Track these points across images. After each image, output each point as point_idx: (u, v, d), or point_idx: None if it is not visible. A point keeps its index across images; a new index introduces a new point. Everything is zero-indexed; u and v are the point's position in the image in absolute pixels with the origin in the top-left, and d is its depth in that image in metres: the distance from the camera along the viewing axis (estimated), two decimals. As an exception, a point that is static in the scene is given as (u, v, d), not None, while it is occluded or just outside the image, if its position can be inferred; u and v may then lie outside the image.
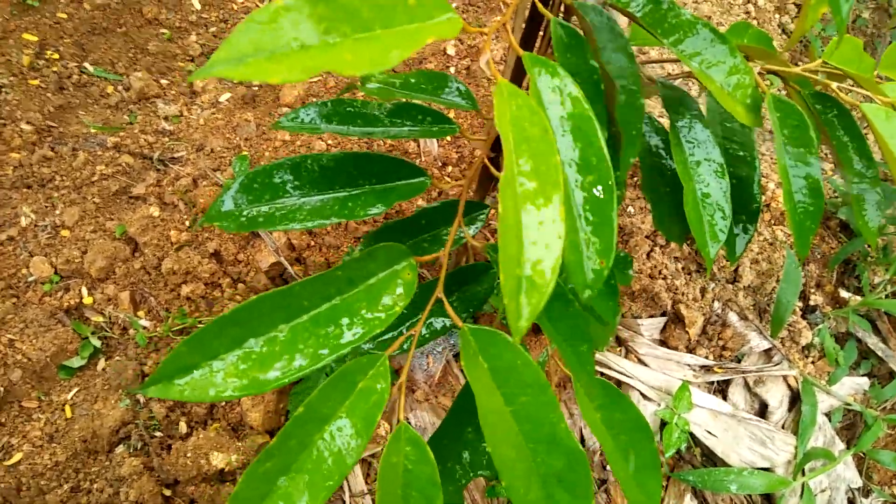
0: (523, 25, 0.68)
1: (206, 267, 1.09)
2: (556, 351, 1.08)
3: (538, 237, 0.40)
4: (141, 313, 1.08)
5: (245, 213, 0.57)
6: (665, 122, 0.74)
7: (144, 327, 1.07)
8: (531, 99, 0.43)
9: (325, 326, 0.52)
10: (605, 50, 0.56)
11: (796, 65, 0.67)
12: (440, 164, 1.33)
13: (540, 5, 0.52)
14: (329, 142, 1.31)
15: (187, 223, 1.15)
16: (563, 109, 0.47)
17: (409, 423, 1.15)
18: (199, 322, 1.07)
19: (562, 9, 0.61)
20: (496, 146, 0.73)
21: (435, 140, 1.36)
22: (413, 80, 0.70)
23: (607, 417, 0.71)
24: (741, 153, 0.77)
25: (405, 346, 0.70)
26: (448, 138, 1.37)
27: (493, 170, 0.66)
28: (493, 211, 0.92)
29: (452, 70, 1.46)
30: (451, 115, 1.36)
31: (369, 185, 0.61)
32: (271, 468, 0.50)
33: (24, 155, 1.24)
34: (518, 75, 0.71)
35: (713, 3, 1.79)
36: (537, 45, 0.68)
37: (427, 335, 0.66)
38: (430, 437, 0.67)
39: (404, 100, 0.67)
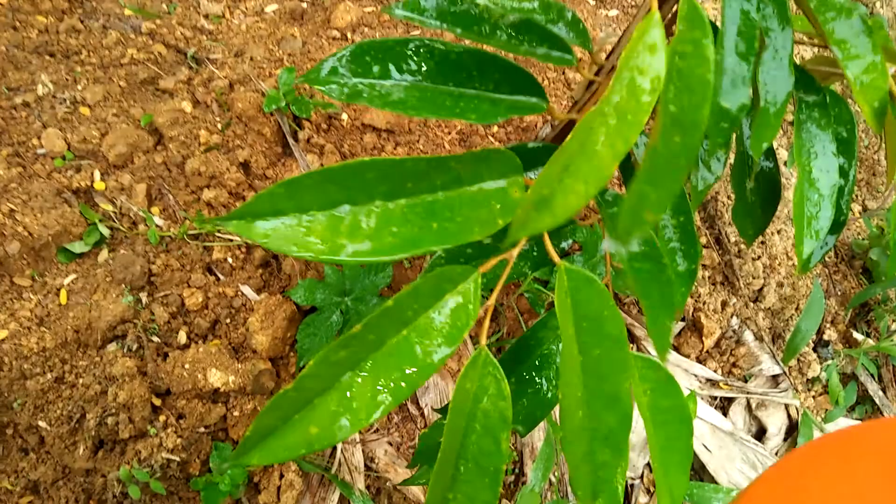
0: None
1: (232, 175, 1.02)
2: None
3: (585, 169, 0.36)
4: (155, 210, 1.00)
5: (349, 83, 0.51)
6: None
7: (158, 225, 0.98)
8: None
9: (421, 217, 0.47)
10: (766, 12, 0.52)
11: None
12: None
13: None
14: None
15: (220, 126, 1.06)
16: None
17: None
18: (218, 231, 0.99)
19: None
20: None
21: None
22: (527, 5, 0.64)
23: (654, 402, 0.68)
24: (841, 160, 0.74)
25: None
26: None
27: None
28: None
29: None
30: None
31: (485, 91, 0.55)
32: (343, 359, 0.44)
33: (51, 21, 1.14)
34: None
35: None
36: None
37: (522, 268, 0.61)
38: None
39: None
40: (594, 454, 0.48)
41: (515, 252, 0.54)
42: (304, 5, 1.36)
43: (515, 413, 0.70)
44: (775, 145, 1.37)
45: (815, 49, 1.73)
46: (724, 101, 0.48)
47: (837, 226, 0.80)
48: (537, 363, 0.70)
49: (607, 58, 0.74)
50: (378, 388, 0.45)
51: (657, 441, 0.67)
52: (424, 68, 0.53)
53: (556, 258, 0.55)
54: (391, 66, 0.51)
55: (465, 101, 0.54)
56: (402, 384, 0.46)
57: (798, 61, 0.72)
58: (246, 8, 1.32)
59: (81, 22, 1.16)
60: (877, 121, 0.58)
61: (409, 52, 0.52)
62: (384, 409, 0.45)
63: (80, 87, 1.07)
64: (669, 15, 0.65)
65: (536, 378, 0.71)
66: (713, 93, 0.40)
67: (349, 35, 1.31)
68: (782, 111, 0.60)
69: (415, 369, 0.46)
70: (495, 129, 1.28)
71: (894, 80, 0.60)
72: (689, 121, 0.35)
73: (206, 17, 1.28)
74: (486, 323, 0.52)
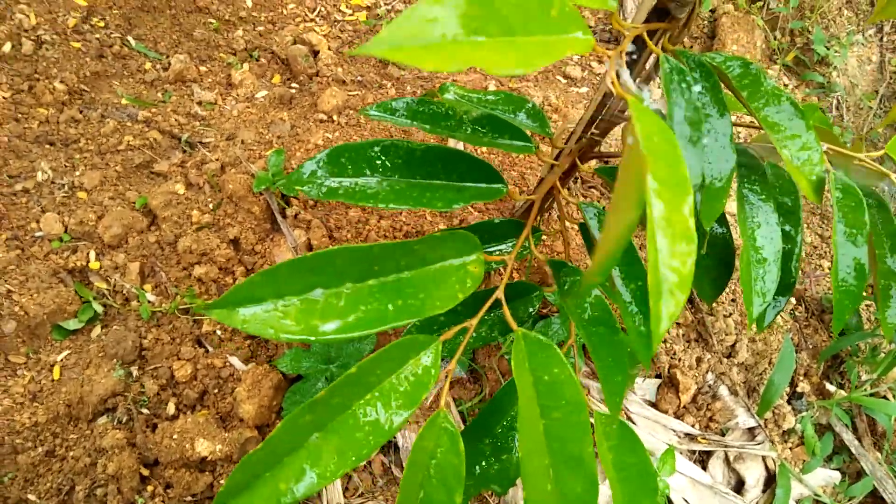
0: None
1: (223, 251, 1.08)
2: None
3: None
4: (148, 287, 1.05)
5: (326, 182, 0.57)
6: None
7: (150, 301, 1.03)
8: (657, 116, 0.45)
9: (388, 295, 0.52)
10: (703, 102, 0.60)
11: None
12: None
13: (650, 43, 0.55)
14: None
15: (211, 206, 1.13)
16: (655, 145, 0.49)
17: (397, 441, 1.12)
18: (208, 304, 1.04)
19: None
20: (568, 172, 0.75)
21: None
22: (491, 98, 0.72)
23: (619, 459, 0.71)
24: (787, 228, 0.81)
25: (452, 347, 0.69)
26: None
27: (564, 193, 0.67)
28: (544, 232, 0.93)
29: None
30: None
31: (449, 181, 0.62)
32: (310, 421, 0.49)
33: (51, 112, 1.22)
34: (599, 108, 0.74)
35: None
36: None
37: (483, 335, 0.66)
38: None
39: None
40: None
41: (475, 322, 0.60)
42: (293, 91, 1.46)
43: (489, 473, 0.73)
44: (734, 210, 1.45)
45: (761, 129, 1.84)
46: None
47: (787, 287, 0.87)
48: (507, 424, 0.74)
49: (566, 142, 0.82)
50: (343, 447, 0.49)
51: (623, 498, 0.70)
52: (394, 165, 0.59)
53: (513, 325, 0.60)
54: (364, 166, 0.58)
55: (431, 192, 0.60)
56: (366, 443, 0.50)
57: (747, 140, 0.80)
58: (237, 94, 1.42)
59: (81, 112, 1.25)
60: (816, 194, 0.64)
61: (379, 152, 0.59)
62: (349, 466, 0.49)
63: (78, 173, 1.15)
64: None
65: (509, 439, 0.74)
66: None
67: (335, 117, 1.40)
68: (728, 186, 0.67)
69: (377, 429, 0.51)
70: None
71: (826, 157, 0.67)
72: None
73: (200, 103, 1.37)
74: (447, 386, 0.56)
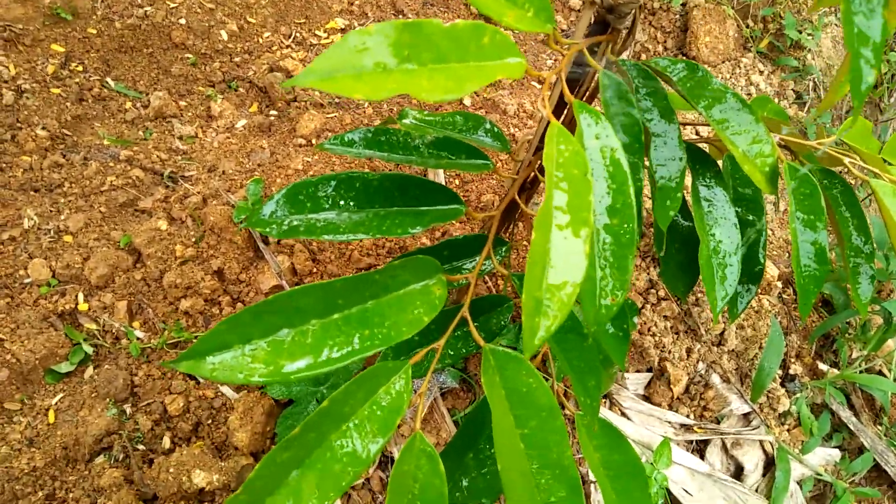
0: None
1: (207, 283, 1.10)
2: (560, 389, 1.09)
3: (562, 266, 0.42)
4: (136, 324, 1.07)
5: (286, 221, 0.59)
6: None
7: (139, 338, 1.05)
8: (576, 142, 0.47)
9: (355, 327, 0.54)
10: (647, 107, 0.61)
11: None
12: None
13: (589, 58, 0.57)
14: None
15: (194, 239, 1.15)
16: (601, 156, 0.51)
17: (393, 455, 1.14)
18: (195, 337, 1.06)
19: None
20: (522, 188, 0.76)
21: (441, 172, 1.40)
22: (448, 120, 0.74)
23: (606, 458, 0.73)
24: (750, 217, 0.82)
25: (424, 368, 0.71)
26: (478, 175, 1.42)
27: (523, 207, 0.69)
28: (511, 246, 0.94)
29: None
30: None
31: (408, 207, 0.64)
32: (288, 459, 0.50)
33: (35, 159, 1.25)
34: (556, 117, 0.75)
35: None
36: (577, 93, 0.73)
37: (452, 354, 0.68)
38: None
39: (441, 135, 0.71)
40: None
41: (442, 342, 0.61)
42: (272, 118, 1.48)
43: (477, 487, 0.75)
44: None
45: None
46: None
47: (755, 276, 0.88)
48: (488, 436, 0.75)
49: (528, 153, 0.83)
50: (322, 482, 0.50)
51: (615, 496, 0.71)
52: (351, 197, 0.61)
53: (479, 341, 0.62)
54: (322, 201, 0.60)
55: (390, 220, 0.62)
56: (345, 474, 0.52)
57: (702, 136, 0.82)
58: (217, 126, 1.44)
59: (63, 156, 1.27)
60: (770, 185, 0.65)
61: (336, 186, 0.61)
62: (332, 499, 0.51)
63: (63, 217, 1.17)
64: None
65: (492, 451, 0.75)
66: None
67: (314, 141, 1.43)
68: (680, 185, 0.68)
69: (355, 460, 0.52)
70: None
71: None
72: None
73: (181, 138, 1.40)
74: (421, 409, 0.58)
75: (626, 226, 0.49)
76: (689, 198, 0.74)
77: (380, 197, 0.62)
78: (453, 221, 1.39)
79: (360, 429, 0.53)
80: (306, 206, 0.59)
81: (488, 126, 0.75)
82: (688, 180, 0.71)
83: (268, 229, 0.57)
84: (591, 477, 1.22)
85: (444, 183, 1.41)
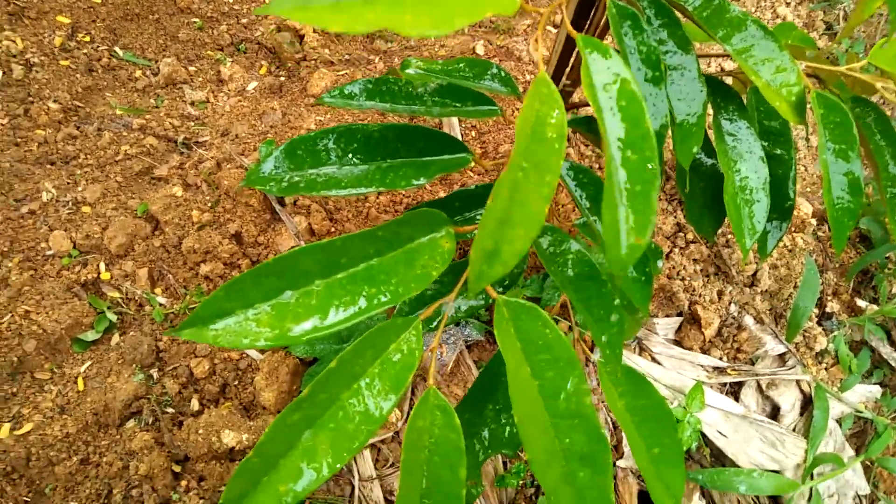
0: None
1: (226, 247, 1.09)
2: (578, 336, 1.06)
3: (520, 217, 0.40)
4: (158, 290, 1.08)
5: (286, 177, 0.57)
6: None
7: (161, 304, 1.06)
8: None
9: (361, 285, 0.52)
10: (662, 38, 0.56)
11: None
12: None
13: None
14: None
15: (210, 204, 1.15)
16: (613, 89, 0.47)
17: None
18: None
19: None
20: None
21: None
22: (452, 67, 0.70)
23: (631, 404, 0.71)
24: (778, 151, 0.77)
25: (433, 326, 0.69)
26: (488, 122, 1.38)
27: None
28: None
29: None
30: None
31: (412, 158, 0.61)
32: (298, 420, 0.49)
33: (49, 132, 1.25)
34: (565, 57, 0.71)
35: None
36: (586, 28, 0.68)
37: (462, 309, 0.66)
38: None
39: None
40: (574, 474, 0.49)
41: (452, 296, 0.59)
42: (282, 79, 1.45)
43: (497, 438, 0.74)
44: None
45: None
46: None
47: (785, 212, 0.83)
48: (506, 386, 0.74)
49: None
50: (336, 441, 0.50)
51: (642, 441, 0.69)
52: (352, 150, 0.58)
53: (491, 293, 0.60)
54: (322, 156, 0.58)
55: (394, 172, 0.59)
56: (359, 433, 0.51)
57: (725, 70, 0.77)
58: (228, 90, 1.42)
59: (77, 128, 1.27)
60: (797, 114, 0.61)
61: (334, 140, 0.58)
62: (346, 458, 0.50)
63: (80, 188, 1.17)
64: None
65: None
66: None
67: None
68: (702, 121, 0.64)
69: (368, 418, 0.51)
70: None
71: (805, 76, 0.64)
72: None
73: (192, 104, 1.38)
74: (433, 364, 0.57)
75: (645, 161, 0.46)
76: (711, 134, 0.70)
77: (382, 149, 0.59)
78: (470, 174, 1.35)
79: (371, 387, 0.52)
80: (306, 161, 0.57)
81: (495, 70, 0.71)
82: (709, 118, 0.67)
83: (267, 187, 0.56)
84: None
85: (459, 135, 1.37)
